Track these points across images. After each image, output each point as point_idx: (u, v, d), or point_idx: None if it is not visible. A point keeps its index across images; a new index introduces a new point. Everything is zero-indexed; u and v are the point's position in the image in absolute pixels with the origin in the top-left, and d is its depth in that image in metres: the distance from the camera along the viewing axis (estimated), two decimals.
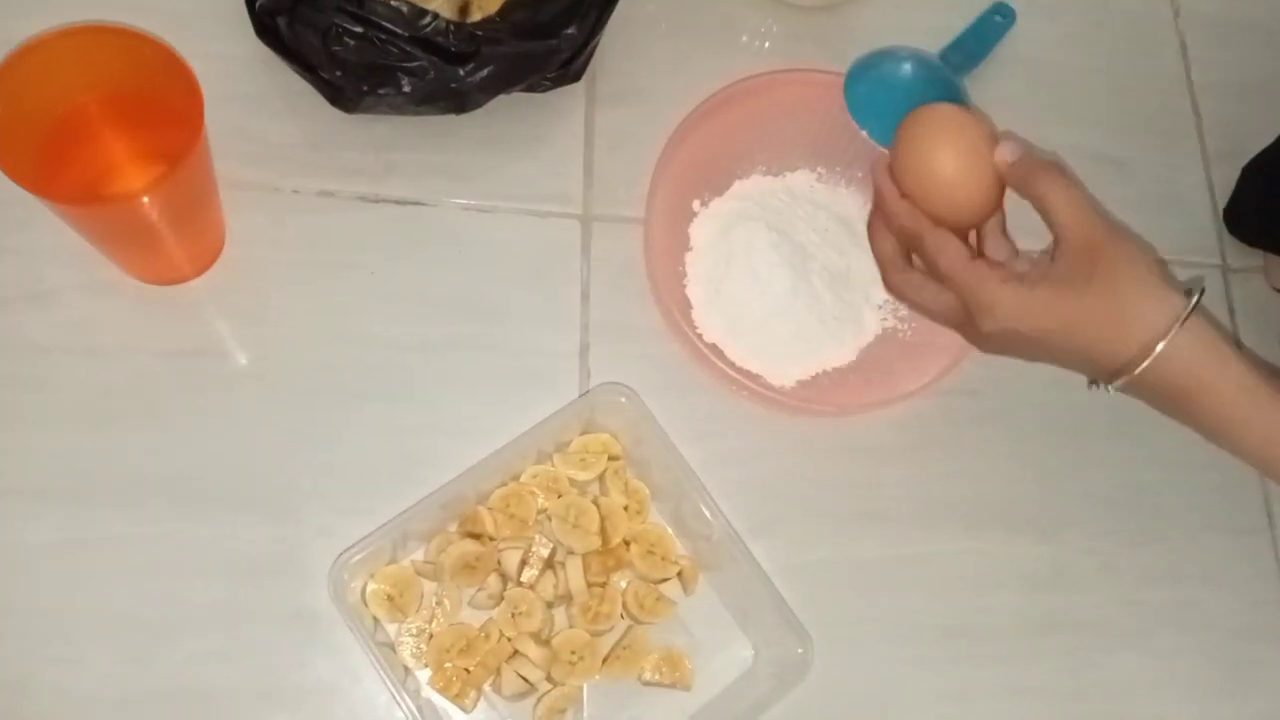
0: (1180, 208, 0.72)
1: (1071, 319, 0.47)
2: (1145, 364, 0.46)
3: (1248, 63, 0.77)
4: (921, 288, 0.52)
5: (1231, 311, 0.70)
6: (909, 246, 0.52)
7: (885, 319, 0.64)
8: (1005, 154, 0.49)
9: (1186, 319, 0.46)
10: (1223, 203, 0.72)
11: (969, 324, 0.50)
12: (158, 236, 0.53)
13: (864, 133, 0.60)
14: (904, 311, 0.64)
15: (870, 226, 0.54)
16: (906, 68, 0.63)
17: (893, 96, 0.62)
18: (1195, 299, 0.47)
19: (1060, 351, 0.49)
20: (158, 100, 0.50)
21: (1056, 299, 0.47)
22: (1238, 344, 0.58)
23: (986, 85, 0.69)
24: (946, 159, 0.49)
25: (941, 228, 0.50)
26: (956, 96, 0.63)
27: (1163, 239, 0.70)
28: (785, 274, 0.61)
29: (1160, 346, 0.46)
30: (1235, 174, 0.72)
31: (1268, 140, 0.69)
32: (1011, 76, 0.72)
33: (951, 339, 0.60)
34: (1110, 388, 0.48)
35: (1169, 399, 0.48)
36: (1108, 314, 0.47)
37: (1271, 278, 0.70)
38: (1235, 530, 0.64)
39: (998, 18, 0.71)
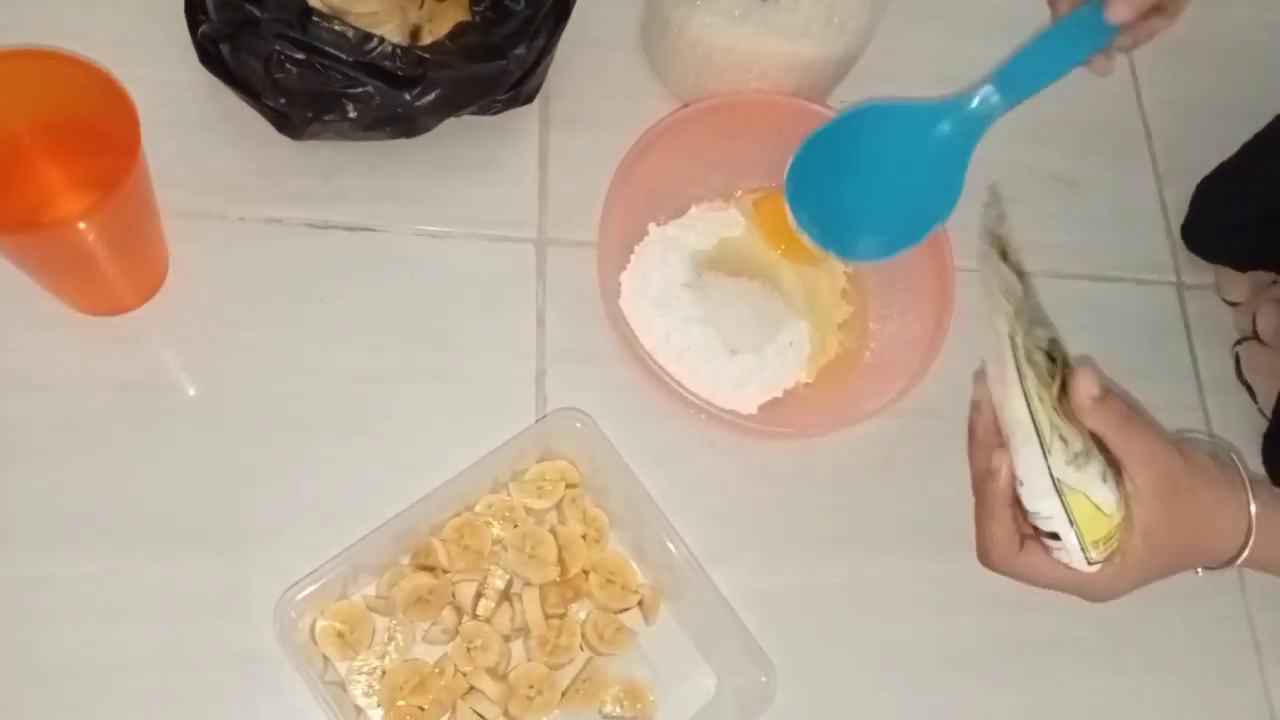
0: (1134, 226, 0.73)
1: (1167, 558, 0.47)
2: (1241, 560, 0.48)
3: (1195, 83, 0.78)
4: (1043, 565, 0.47)
5: (1187, 326, 0.70)
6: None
7: (844, 339, 0.64)
8: (1090, 390, 0.45)
9: (1256, 519, 0.47)
10: (1175, 220, 0.73)
11: (1076, 595, 0.48)
12: (97, 265, 0.51)
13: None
14: (866, 331, 0.64)
15: (985, 510, 0.48)
16: (873, 144, 0.52)
17: (850, 190, 0.54)
18: (1251, 498, 0.47)
19: (1169, 572, 0.48)
20: (95, 126, 0.49)
21: (1149, 551, 0.46)
22: None
23: None
24: None
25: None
26: (956, 182, 0.51)
27: (1118, 257, 0.71)
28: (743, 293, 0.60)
29: (1245, 553, 0.47)
30: (1187, 192, 0.72)
31: (1217, 158, 0.70)
32: None
33: (911, 359, 0.60)
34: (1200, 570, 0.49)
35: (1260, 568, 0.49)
36: (1198, 536, 0.47)
37: (1223, 291, 0.71)
38: None
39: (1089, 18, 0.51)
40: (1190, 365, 0.69)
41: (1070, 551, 0.45)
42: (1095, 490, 0.44)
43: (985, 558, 0.48)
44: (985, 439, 0.48)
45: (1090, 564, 0.45)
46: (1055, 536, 0.45)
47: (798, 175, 0.56)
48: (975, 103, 0.52)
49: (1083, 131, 0.74)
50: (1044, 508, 0.45)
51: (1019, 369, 0.45)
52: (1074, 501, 0.44)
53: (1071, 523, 0.44)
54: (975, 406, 0.48)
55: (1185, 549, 0.47)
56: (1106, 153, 0.74)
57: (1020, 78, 0.52)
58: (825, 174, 0.56)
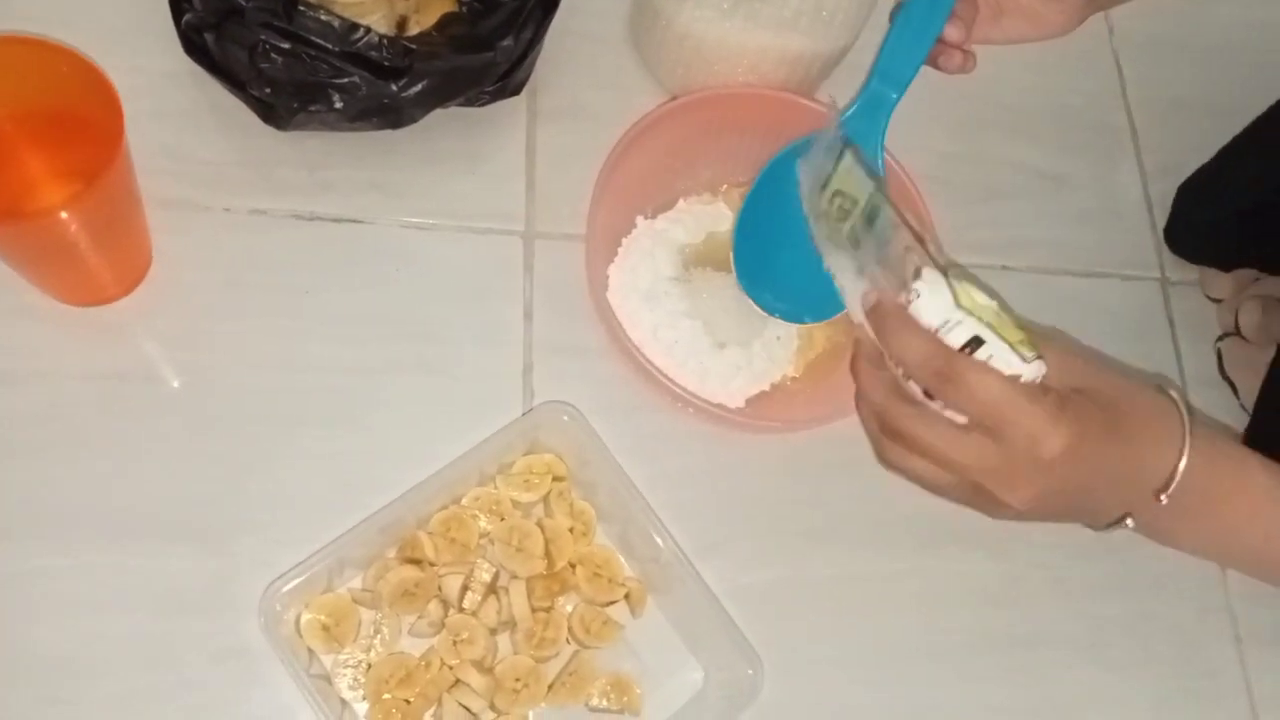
0: (1119, 222, 0.73)
1: (1113, 421, 0.42)
2: (1179, 476, 0.43)
3: (1181, 80, 0.78)
4: (988, 375, 0.40)
5: (1171, 322, 0.71)
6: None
7: (831, 334, 0.64)
8: None
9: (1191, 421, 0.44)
10: (1160, 216, 0.73)
11: (1005, 470, 0.42)
12: (79, 255, 0.51)
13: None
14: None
15: (896, 331, 0.42)
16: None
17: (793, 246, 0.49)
18: (1184, 406, 0.44)
19: (1108, 478, 0.44)
20: (77, 115, 0.49)
21: (1085, 401, 0.41)
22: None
23: (924, 104, 0.70)
24: None
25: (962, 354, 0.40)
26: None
27: (1103, 253, 0.72)
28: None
29: (1183, 461, 0.43)
30: (1171, 189, 0.73)
31: (1202, 156, 0.71)
32: (951, 94, 0.72)
33: None
34: (1163, 497, 0.44)
35: (1199, 512, 0.46)
36: (1127, 395, 0.44)
37: (1207, 288, 0.72)
38: None
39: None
40: (1174, 361, 0.70)
41: (999, 354, 0.40)
42: (980, 294, 0.41)
43: (933, 373, 0.40)
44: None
45: (1026, 360, 0.40)
46: (978, 342, 0.40)
47: (743, 251, 0.56)
48: (862, 106, 0.56)
49: (1068, 128, 0.75)
50: (951, 310, 0.40)
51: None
52: (970, 301, 0.40)
53: (984, 322, 0.40)
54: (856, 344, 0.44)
55: (1123, 410, 0.43)
56: (1092, 149, 0.75)
57: (896, 64, 0.55)
58: (766, 239, 0.55)
